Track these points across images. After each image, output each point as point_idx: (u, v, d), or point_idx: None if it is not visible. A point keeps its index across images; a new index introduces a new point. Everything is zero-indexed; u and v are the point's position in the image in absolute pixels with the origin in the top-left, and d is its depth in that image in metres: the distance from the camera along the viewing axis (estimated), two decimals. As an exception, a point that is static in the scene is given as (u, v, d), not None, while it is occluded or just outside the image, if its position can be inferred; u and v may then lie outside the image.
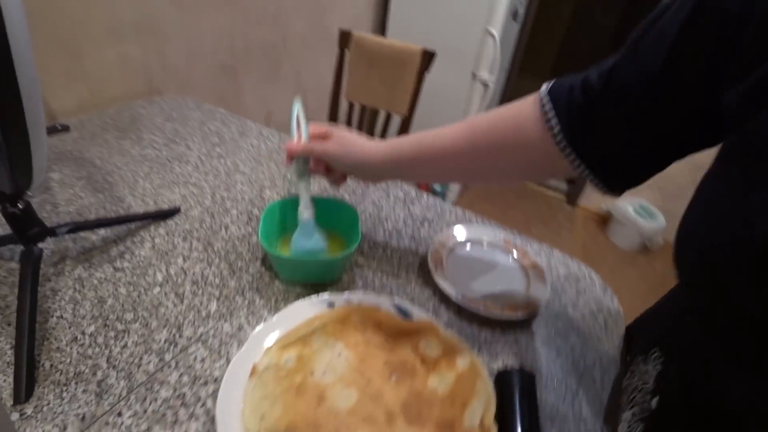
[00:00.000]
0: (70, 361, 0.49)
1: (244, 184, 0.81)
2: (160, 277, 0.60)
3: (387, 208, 0.81)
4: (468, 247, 0.74)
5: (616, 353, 0.61)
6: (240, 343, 0.53)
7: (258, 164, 0.88)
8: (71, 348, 0.50)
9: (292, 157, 0.59)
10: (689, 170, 2.35)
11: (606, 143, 0.41)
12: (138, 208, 0.73)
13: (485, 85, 1.96)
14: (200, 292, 0.59)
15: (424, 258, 0.71)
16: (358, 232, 0.61)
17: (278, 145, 0.96)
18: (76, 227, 0.61)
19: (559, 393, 0.54)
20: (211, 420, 0.46)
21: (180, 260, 0.63)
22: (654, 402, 0.43)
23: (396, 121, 1.43)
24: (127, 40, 1.08)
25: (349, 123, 1.47)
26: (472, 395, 0.48)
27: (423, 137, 0.55)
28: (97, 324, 0.53)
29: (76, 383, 0.47)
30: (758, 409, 0.29)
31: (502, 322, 0.62)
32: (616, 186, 0.43)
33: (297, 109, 0.63)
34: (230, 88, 1.43)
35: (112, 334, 0.52)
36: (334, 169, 0.62)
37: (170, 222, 0.70)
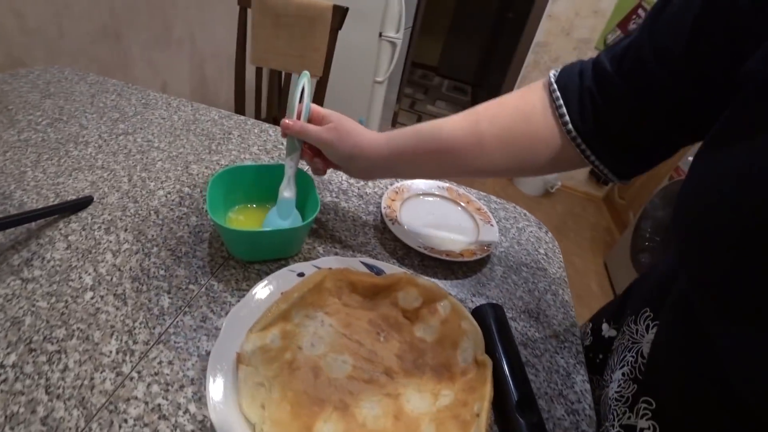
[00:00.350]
0: (-5, 403, 0.38)
1: (164, 161, 0.68)
2: (89, 280, 0.48)
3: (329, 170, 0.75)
4: (416, 200, 0.72)
5: (561, 277, 0.66)
6: (209, 336, 0.45)
7: (175, 138, 0.74)
8: (-9, 386, 0.39)
9: (286, 134, 0.53)
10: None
11: (617, 128, 0.39)
12: (34, 204, 0.57)
13: (392, 44, 1.90)
14: (145, 288, 0.49)
15: (376, 215, 0.67)
16: (315, 198, 0.54)
17: (193, 114, 0.82)
18: (-43, 238, 0.46)
19: (523, 319, 0.57)
20: (201, 426, 0.38)
21: (109, 256, 0.51)
22: (642, 362, 0.42)
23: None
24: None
25: (257, 91, 1.33)
26: (459, 336, 0.47)
27: (423, 130, 0.50)
28: (18, 351, 0.41)
29: (12, 429, 0.36)
30: (750, 361, 0.26)
31: (463, 265, 0.62)
32: (624, 173, 0.43)
33: (303, 82, 0.53)
34: (114, 56, 1.18)
35: (42, 358, 0.41)
36: (323, 157, 0.55)
37: (83, 214, 0.56)
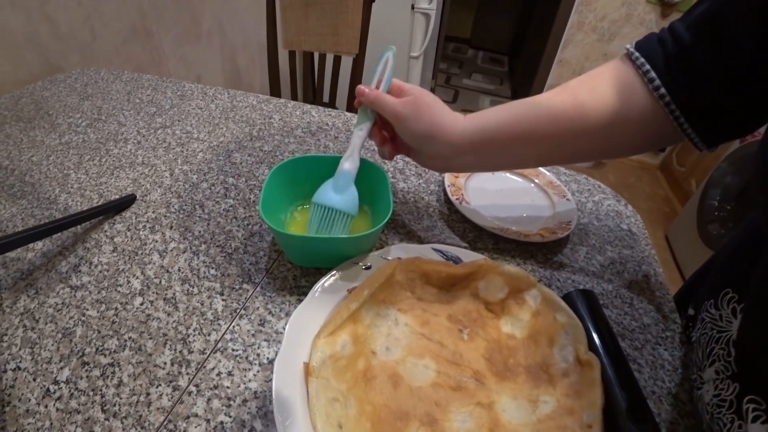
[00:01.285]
0: (51, 424, 0.34)
1: (205, 152, 0.64)
2: (137, 284, 0.44)
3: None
4: (481, 176, 0.64)
5: (650, 255, 0.57)
6: (270, 342, 0.40)
7: (215, 127, 0.69)
8: (46, 406, 0.35)
9: (360, 102, 0.46)
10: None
11: (706, 94, 0.36)
12: (78, 206, 0.54)
13: (426, 16, 1.79)
14: (195, 290, 0.44)
15: (439, 195, 0.60)
16: (388, 200, 0.46)
17: (230, 102, 0.77)
18: (1, 246, 0.43)
19: (616, 306, 0.49)
20: (269, 446, 0.33)
21: (156, 257, 0.47)
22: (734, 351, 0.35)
23: (346, 66, 1.25)
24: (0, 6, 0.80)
25: (292, 76, 1.27)
26: (555, 331, 0.39)
27: (515, 105, 0.42)
28: (72, 364, 0.38)
29: (68, 451, 0.33)
30: None
31: (542, 246, 0.54)
32: (713, 141, 0.39)
33: (389, 55, 0.48)
34: (146, 54, 1.16)
35: (96, 372, 0.37)
36: (394, 143, 0.48)
37: (127, 214, 0.53)
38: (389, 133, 0.48)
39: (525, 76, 2.60)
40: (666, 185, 2.58)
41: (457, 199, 0.55)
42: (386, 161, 0.66)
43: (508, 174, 0.65)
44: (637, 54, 0.39)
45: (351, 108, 1.28)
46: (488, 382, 0.37)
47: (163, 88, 0.81)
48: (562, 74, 2.33)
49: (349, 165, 0.46)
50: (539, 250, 0.54)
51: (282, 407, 0.32)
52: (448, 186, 0.57)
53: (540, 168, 0.66)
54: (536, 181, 0.63)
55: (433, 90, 2.73)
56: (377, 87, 0.46)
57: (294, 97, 1.30)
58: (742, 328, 0.34)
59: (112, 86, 0.83)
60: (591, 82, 0.41)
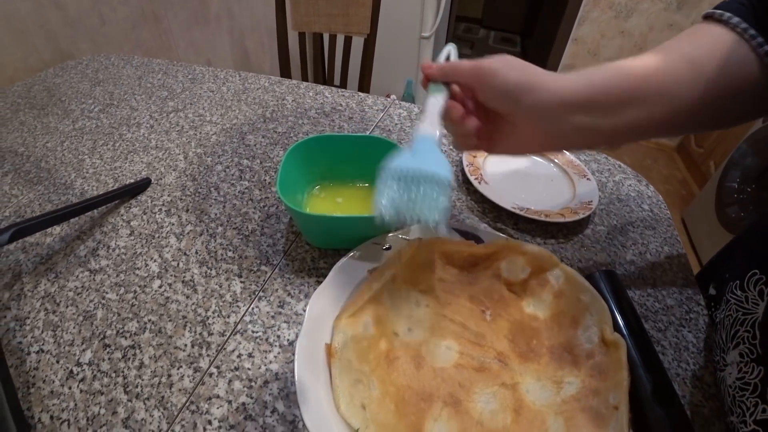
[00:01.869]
0: (75, 405, 0.34)
1: (219, 134, 0.63)
2: (155, 267, 0.44)
3: (395, 128, 0.66)
4: (497, 156, 0.62)
5: (673, 236, 0.55)
6: (290, 323, 0.40)
7: (227, 110, 0.68)
8: (70, 387, 0.35)
9: (429, 79, 0.38)
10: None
11: None
12: (94, 191, 0.54)
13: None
14: (213, 272, 0.44)
15: (456, 175, 0.58)
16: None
17: (242, 84, 0.76)
18: (20, 231, 0.42)
19: (639, 287, 0.48)
20: (292, 427, 0.33)
21: (173, 240, 0.47)
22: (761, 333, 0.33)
23: (357, 47, 1.22)
24: (7, -8, 0.80)
25: (302, 58, 1.25)
26: (580, 311, 0.38)
27: (622, 68, 0.35)
28: (94, 347, 0.38)
29: (95, 431, 0.33)
30: None
31: (563, 227, 0.52)
32: None
33: (449, 50, 0.42)
34: (155, 39, 1.15)
35: (118, 354, 0.37)
36: (477, 112, 0.38)
37: (143, 198, 0.52)
38: (469, 102, 0.39)
39: (538, 55, 2.53)
40: (683, 167, 2.52)
41: (476, 179, 0.54)
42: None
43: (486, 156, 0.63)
44: (727, 14, 0.35)
45: (363, 90, 1.25)
46: (511, 363, 0.36)
47: (173, 72, 0.80)
48: (577, 53, 2.26)
49: (430, 129, 0.35)
50: (560, 231, 0.52)
51: (304, 389, 0.31)
52: (467, 166, 0.56)
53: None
54: (556, 160, 0.61)
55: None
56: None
57: (305, 80, 1.28)
58: None
59: (122, 71, 0.82)
60: (689, 42, 0.36)
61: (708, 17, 0.37)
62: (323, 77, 1.27)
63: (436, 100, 0.36)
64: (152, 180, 0.54)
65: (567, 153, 0.62)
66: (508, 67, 0.34)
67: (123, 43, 1.05)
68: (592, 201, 0.54)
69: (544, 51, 2.41)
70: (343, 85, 1.28)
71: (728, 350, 0.37)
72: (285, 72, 1.24)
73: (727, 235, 1.55)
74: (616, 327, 0.38)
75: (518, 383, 0.35)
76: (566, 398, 0.34)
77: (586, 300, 0.38)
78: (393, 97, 0.80)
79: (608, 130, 0.36)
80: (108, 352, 0.38)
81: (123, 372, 0.36)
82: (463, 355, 0.36)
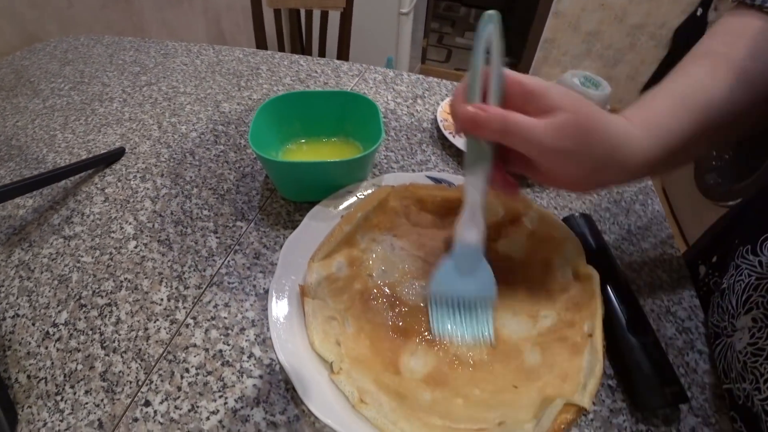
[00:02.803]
0: (52, 363, 0.34)
1: (193, 104, 0.62)
2: (130, 230, 0.44)
3: (370, 91, 0.66)
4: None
5: (648, 185, 0.55)
6: (266, 273, 0.39)
7: (201, 81, 0.67)
8: (47, 347, 0.35)
9: (470, 129, 0.28)
10: (626, 34, 2.30)
11: None
12: (65, 163, 0.53)
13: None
14: (189, 230, 0.43)
15: (432, 131, 0.58)
16: (379, 127, 0.43)
17: (216, 56, 0.75)
18: (-11, 198, 0.42)
19: (614, 232, 0.48)
20: (269, 369, 0.33)
21: (148, 203, 0.46)
22: None
23: (334, 21, 1.20)
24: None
25: (279, 36, 1.23)
26: (553, 248, 0.39)
27: (696, 104, 0.31)
28: (69, 307, 0.37)
29: (72, 386, 0.32)
30: None
31: (540, 172, 0.53)
32: None
33: (490, 31, 0.28)
34: (126, 20, 1.12)
35: (94, 313, 0.37)
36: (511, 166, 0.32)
37: (117, 166, 0.51)
38: (515, 166, 0.31)
39: (519, 31, 2.52)
40: None
41: (450, 133, 0.53)
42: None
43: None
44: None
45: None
46: (487, 300, 0.37)
47: (146, 49, 0.78)
48: (557, 26, 2.25)
49: (473, 234, 0.32)
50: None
51: (279, 330, 0.31)
52: (441, 122, 0.55)
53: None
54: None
55: (425, 50, 2.65)
56: (483, 94, 0.28)
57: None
58: None
59: (92, 51, 0.80)
60: (737, 42, 0.32)
61: (741, 3, 0.33)
62: (301, 51, 1.25)
63: (479, 181, 0.30)
64: (126, 149, 0.54)
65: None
66: (585, 150, 0.27)
67: (92, 24, 1.02)
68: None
69: (525, 26, 2.40)
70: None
71: (739, 316, 0.35)
72: (261, 47, 1.22)
73: (706, 202, 1.57)
74: (590, 264, 0.38)
75: (494, 318, 0.35)
76: (542, 330, 0.35)
77: (560, 236, 0.39)
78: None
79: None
80: (84, 312, 0.37)
81: (100, 329, 0.36)
82: (438, 293, 0.36)
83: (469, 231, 0.32)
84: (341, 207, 0.40)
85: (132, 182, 0.49)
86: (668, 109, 0.30)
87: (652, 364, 0.32)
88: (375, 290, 0.35)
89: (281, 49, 1.24)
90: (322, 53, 1.24)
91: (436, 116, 0.57)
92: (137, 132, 0.57)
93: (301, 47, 1.24)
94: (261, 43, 1.21)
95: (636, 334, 0.35)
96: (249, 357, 0.34)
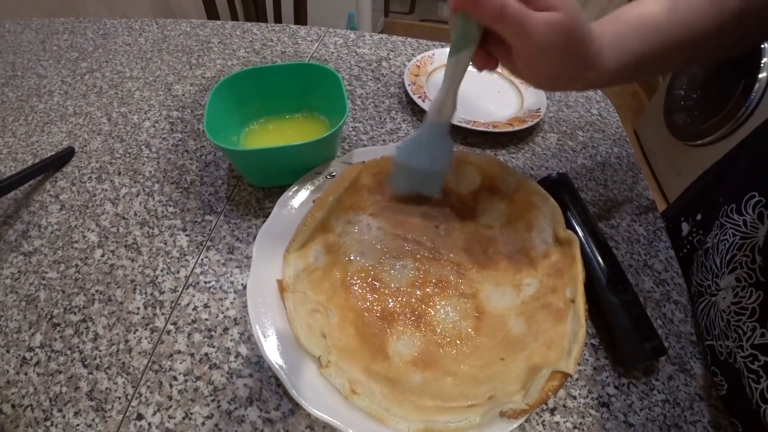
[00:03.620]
0: (35, 389, 0.32)
1: (142, 89, 0.57)
2: (94, 238, 0.41)
3: (332, 57, 0.62)
4: (443, 71, 0.59)
5: (622, 136, 0.56)
6: (242, 267, 0.38)
7: (148, 62, 0.62)
8: (26, 374, 0.33)
9: (467, 7, 0.27)
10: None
11: None
12: (12, 172, 0.49)
13: None
14: (156, 231, 0.41)
15: (400, 96, 0.55)
16: (343, 101, 0.41)
17: (161, 32, 0.69)
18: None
19: (591, 189, 0.48)
20: (258, 367, 0.33)
21: (109, 206, 0.44)
22: (762, 261, 0.31)
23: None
24: None
25: (230, 1, 1.13)
26: (533, 214, 0.38)
27: (658, 22, 0.32)
28: (42, 329, 0.36)
29: (60, 410, 0.31)
30: None
31: (513, 136, 0.51)
32: None
33: None
34: (58, -1, 1.02)
35: (70, 331, 0.35)
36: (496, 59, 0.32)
37: (68, 169, 0.48)
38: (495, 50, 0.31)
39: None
40: None
41: (419, 97, 0.51)
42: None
43: (470, 67, 0.60)
44: None
45: (298, 23, 1.16)
46: (470, 273, 0.37)
47: (81, 30, 0.71)
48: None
49: (443, 112, 0.33)
50: (510, 141, 0.51)
51: (262, 328, 0.31)
52: (409, 86, 0.53)
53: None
54: (500, 71, 0.59)
55: (387, 2, 2.52)
56: None
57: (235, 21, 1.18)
58: None
59: (21, 38, 0.72)
60: None
61: None
62: (255, 16, 1.16)
63: (461, 62, 0.30)
64: (76, 148, 0.50)
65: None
66: (565, 55, 0.28)
67: (18, 7, 0.92)
68: (540, 109, 0.53)
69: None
70: (278, 22, 1.18)
71: (722, 275, 0.36)
72: (212, 16, 1.13)
73: (675, 142, 1.58)
74: (569, 226, 0.38)
75: (478, 291, 0.35)
76: (526, 299, 0.35)
77: (538, 202, 0.38)
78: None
79: (633, 80, 0.36)
80: (59, 331, 0.36)
81: (78, 347, 0.35)
82: (420, 271, 0.36)
83: (442, 108, 0.33)
84: (311, 190, 0.38)
85: (87, 185, 0.46)
86: (638, 26, 0.32)
87: (632, 322, 0.33)
88: (355, 275, 0.35)
89: (233, 15, 1.15)
90: (278, 15, 1.16)
91: (403, 79, 0.55)
92: (85, 127, 0.52)
93: (255, 11, 1.15)
94: (212, 12, 1.12)
95: (616, 293, 0.35)
96: (236, 357, 0.33)
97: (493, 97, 0.56)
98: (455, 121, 0.49)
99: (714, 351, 0.35)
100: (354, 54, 0.62)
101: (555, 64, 0.29)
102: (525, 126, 0.50)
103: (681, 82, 1.65)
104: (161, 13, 1.33)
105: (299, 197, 0.37)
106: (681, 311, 0.39)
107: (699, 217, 0.46)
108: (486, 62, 0.31)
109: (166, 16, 1.37)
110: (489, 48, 0.30)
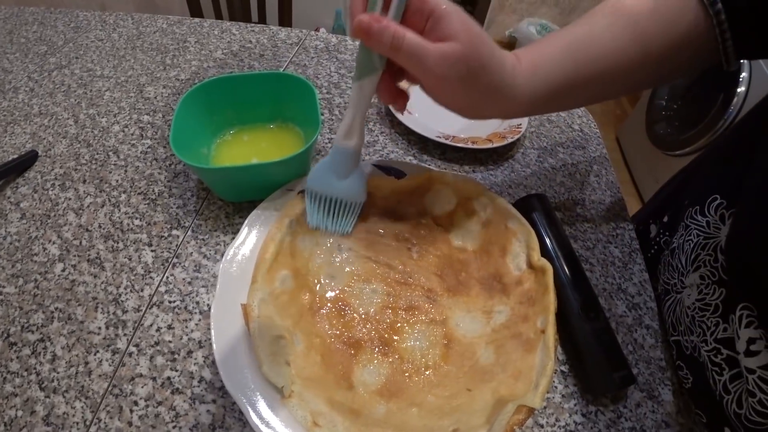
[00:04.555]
0: (-15, 411, 0.31)
1: (113, 90, 0.55)
2: (54, 250, 0.40)
3: (311, 63, 0.60)
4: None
5: (602, 154, 0.55)
6: (208, 287, 0.37)
7: (120, 60, 0.60)
8: (-25, 394, 0.32)
9: (364, 35, 0.27)
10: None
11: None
12: (-27, 173, 0.47)
13: None
14: (121, 245, 0.40)
15: (379, 107, 0.54)
16: (317, 117, 0.39)
17: (136, 28, 0.66)
18: None
19: (568, 208, 0.48)
20: (222, 393, 0.32)
21: (72, 216, 0.42)
22: (724, 260, 0.33)
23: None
24: None
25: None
26: (507, 239, 0.38)
27: (578, 51, 0.32)
28: (-5, 347, 0.34)
29: (12, 435, 0.30)
30: None
31: (492, 152, 0.51)
32: (749, 53, 0.32)
33: None
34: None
35: (27, 351, 0.34)
36: (403, 96, 0.33)
37: (30, 174, 0.46)
38: (400, 78, 0.32)
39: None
40: None
41: (398, 110, 0.50)
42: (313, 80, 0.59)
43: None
44: None
45: (284, 24, 1.14)
46: (441, 298, 0.36)
47: (52, 21, 0.68)
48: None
49: (351, 140, 0.33)
50: (489, 157, 0.51)
51: (225, 355, 0.30)
52: (389, 97, 0.52)
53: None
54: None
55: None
56: (386, 4, 0.27)
57: (219, 18, 1.14)
58: (732, 235, 0.32)
59: (-12, 26, 0.69)
60: (652, 13, 0.32)
61: None
62: (241, 13, 1.13)
63: (365, 89, 0.30)
64: (39, 152, 0.48)
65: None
66: (469, 84, 0.28)
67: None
68: (521, 124, 0.52)
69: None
70: (262, 20, 1.15)
71: (688, 273, 0.37)
72: (195, 10, 1.09)
73: (655, 151, 1.60)
74: (544, 250, 0.38)
75: (448, 318, 0.35)
76: (496, 327, 0.35)
77: (514, 227, 0.38)
78: (323, 30, 0.72)
79: (554, 110, 0.41)
80: (15, 351, 0.34)
81: (35, 368, 0.33)
82: (390, 296, 0.35)
83: (348, 136, 0.33)
84: (281, 208, 0.37)
85: (50, 192, 0.44)
86: (556, 56, 0.32)
87: (603, 350, 0.34)
88: (323, 300, 0.34)
89: (217, 8, 1.12)
90: (262, 10, 1.13)
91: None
92: (50, 129, 0.50)
93: (240, 4, 1.12)
94: (194, 4, 1.08)
95: (588, 320, 0.35)
96: (200, 381, 0.33)
97: (475, 110, 0.55)
98: (434, 137, 0.48)
99: (680, 346, 0.37)
100: (335, 60, 0.61)
101: (460, 94, 0.29)
102: (505, 143, 0.49)
103: (663, 93, 1.68)
104: (142, 2, 1.29)
105: (268, 216, 0.36)
106: (652, 336, 0.39)
107: (666, 219, 0.48)
108: (394, 97, 0.32)
109: (148, 6, 1.32)
110: (408, 79, 0.31)
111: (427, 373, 0.31)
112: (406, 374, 0.31)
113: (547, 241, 0.40)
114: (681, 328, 0.37)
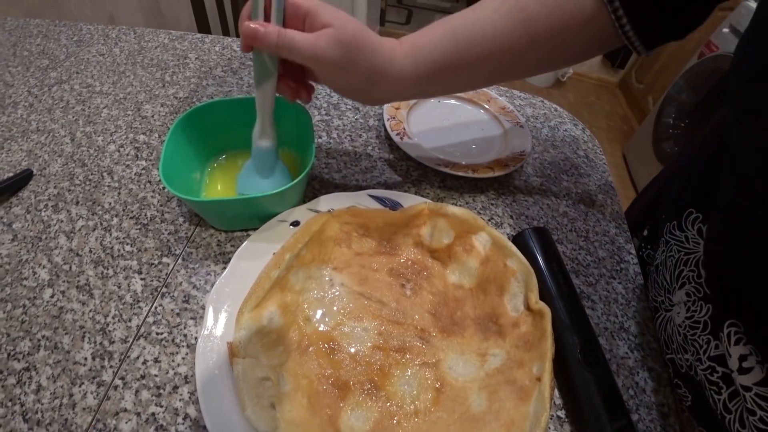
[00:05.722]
0: (-34, 444, 0.31)
1: (110, 107, 0.55)
2: (45, 275, 0.40)
3: (312, 83, 0.60)
4: (425, 104, 0.58)
5: (607, 182, 0.55)
6: (197, 319, 0.37)
7: (120, 76, 0.60)
8: (-44, 425, 0.32)
9: (253, 46, 0.32)
10: None
11: None
12: (-32, 190, 0.47)
13: None
14: (110, 272, 0.40)
15: (379, 130, 0.54)
16: (311, 146, 0.40)
17: (138, 42, 0.67)
18: None
19: (571, 241, 0.47)
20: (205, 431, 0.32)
21: (63, 240, 0.42)
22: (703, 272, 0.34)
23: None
24: None
25: (220, 5, 1.11)
26: (506, 278, 0.37)
27: (460, 33, 0.36)
28: (-19, 374, 0.34)
29: (-10, 470, 0.30)
30: None
31: (494, 181, 0.50)
32: (652, 41, 0.35)
33: None
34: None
35: (12, 380, 0.34)
36: (308, 87, 0.38)
37: (25, 194, 0.46)
38: (299, 74, 0.37)
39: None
40: (624, 103, 2.53)
41: (398, 134, 0.50)
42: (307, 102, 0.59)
43: (455, 101, 0.59)
44: None
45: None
46: (434, 339, 0.36)
47: (55, 35, 0.69)
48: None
49: (265, 141, 0.38)
50: (490, 185, 0.50)
51: (209, 396, 0.30)
52: (388, 120, 0.52)
53: (491, 92, 0.60)
54: (487, 106, 0.58)
55: (383, 12, 2.50)
56: (267, 14, 0.32)
57: (225, 32, 1.15)
58: (707, 251, 0.33)
59: (-8, 38, 0.70)
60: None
61: None
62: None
63: (266, 93, 0.36)
64: (34, 171, 0.48)
65: (499, 99, 0.59)
66: (349, 64, 0.32)
67: (-5, 0, 0.90)
68: (524, 151, 0.52)
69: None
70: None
71: (674, 291, 0.37)
72: (202, 23, 1.10)
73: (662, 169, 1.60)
74: (544, 289, 0.37)
75: (440, 360, 0.35)
76: (490, 371, 0.34)
77: (513, 265, 0.37)
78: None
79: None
80: (0, 380, 0.34)
81: (20, 398, 0.33)
82: (381, 336, 0.35)
83: (262, 138, 0.38)
84: (273, 240, 0.37)
85: (43, 213, 0.44)
86: (437, 38, 0.36)
87: (602, 398, 0.33)
88: (312, 338, 0.34)
89: (222, 16, 1.13)
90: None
91: (383, 111, 0.54)
92: (46, 147, 0.51)
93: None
94: (200, 15, 1.09)
95: (587, 365, 0.34)
96: (184, 419, 0.32)
97: (477, 135, 0.55)
98: (434, 165, 0.48)
99: (675, 364, 0.37)
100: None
101: (344, 76, 0.34)
102: (506, 171, 0.49)
103: (670, 111, 1.68)
104: (151, 14, 1.29)
105: (259, 248, 0.36)
106: (654, 379, 0.38)
107: (645, 232, 0.49)
108: (295, 93, 0.37)
109: (157, 18, 1.33)
110: (308, 77, 0.37)
111: (416, 419, 0.31)
112: (395, 419, 0.31)
113: (548, 279, 0.39)
114: (674, 346, 0.37)
